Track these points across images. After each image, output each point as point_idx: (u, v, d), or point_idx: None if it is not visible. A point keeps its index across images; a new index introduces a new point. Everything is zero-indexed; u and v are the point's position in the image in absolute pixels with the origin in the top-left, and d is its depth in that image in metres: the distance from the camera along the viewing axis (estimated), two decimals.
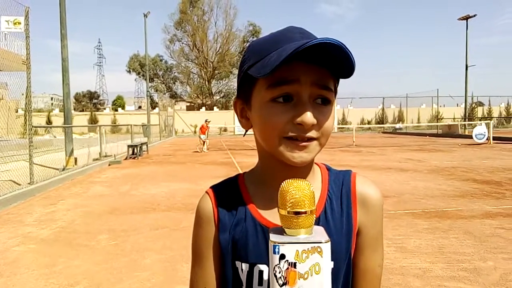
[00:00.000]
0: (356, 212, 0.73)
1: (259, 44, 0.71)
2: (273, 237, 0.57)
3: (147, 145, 17.66)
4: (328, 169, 0.80)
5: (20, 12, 8.30)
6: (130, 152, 14.88)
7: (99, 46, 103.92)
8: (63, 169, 10.51)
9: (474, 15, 31.00)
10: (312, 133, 0.66)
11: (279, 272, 0.56)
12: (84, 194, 7.56)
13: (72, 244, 4.38)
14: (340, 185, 0.75)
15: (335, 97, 0.72)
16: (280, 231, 0.59)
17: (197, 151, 17.80)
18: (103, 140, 14.18)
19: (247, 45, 0.73)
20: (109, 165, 12.59)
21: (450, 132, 27.69)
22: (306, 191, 0.58)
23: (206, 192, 0.79)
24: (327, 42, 0.60)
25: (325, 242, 0.56)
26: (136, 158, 14.80)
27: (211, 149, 18.79)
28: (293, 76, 0.64)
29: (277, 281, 0.56)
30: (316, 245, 0.55)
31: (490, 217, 5.12)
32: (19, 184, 7.76)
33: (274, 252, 0.56)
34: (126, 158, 14.49)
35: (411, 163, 11.44)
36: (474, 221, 4.95)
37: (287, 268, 0.55)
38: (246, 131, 0.80)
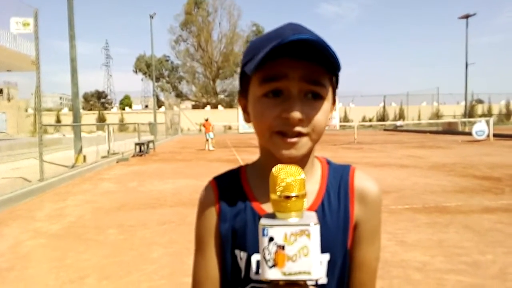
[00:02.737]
0: (354, 206, 0.74)
1: (254, 42, 0.73)
2: (263, 221, 0.58)
3: (153, 143, 17.78)
4: (328, 163, 0.80)
5: (29, 14, 8.44)
6: (137, 149, 15.03)
7: (107, 47, 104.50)
8: (73, 166, 10.66)
9: (474, 14, 31.01)
10: (301, 128, 0.67)
11: (268, 254, 0.56)
12: (93, 191, 7.69)
13: (81, 239, 4.49)
14: (339, 179, 0.76)
15: (334, 92, 0.73)
16: (272, 216, 0.59)
17: (202, 148, 17.96)
18: (111, 138, 14.31)
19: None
20: (117, 162, 12.73)
21: (450, 129, 27.57)
22: (296, 176, 0.58)
23: (209, 182, 0.81)
24: (304, 38, 0.61)
25: (314, 225, 0.56)
26: (143, 155, 14.94)
27: (217, 146, 18.88)
28: (281, 72, 0.65)
29: (267, 263, 0.56)
30: (304, 227, 0.56)
31: (489, 212, 5.15)
32: (30, 181, 7.90)
33: (263, 235, 0.57)
34: (133, 156, 14.64)
35: (412, 160, 11.46)
36: (474, 216, 4.99)
37: (276, 251, 0.56)
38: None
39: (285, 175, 0.58)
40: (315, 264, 0.56)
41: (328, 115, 0.71)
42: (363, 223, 0.75)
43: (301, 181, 0.58)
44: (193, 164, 12.10)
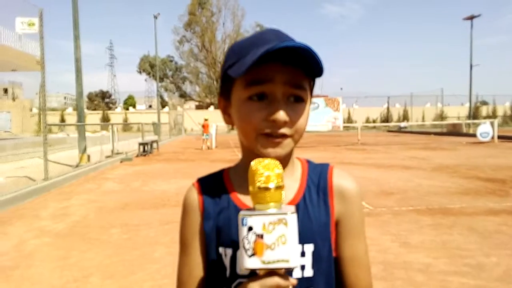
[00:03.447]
0: (333, 203, 0.76)
1: (238, 45, 0.75)
2: (242, 212, 0.60)
3: (157, 143, 17.86)
4: (308, 162, 0.83)
5: (34, 14, 8.48)
6: (141, 149, 15.08)
7: (111, 47, 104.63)
8: (77, 166, 10.72)
9: (479, 15, 30.96)
10: (285, 130, 0.70)
11: (247, 244, 0.58)
12: (97, 190, 7.72)
13: (85, 238, 4.51)
14: (318, 177, 0.79)
15: (311, 95, 0.76)
16: (252, 209, 0.61)
17: (201, 148, 18.06)
18: (115, 138, 14.37)
19: (230, 46, 0.80)
20: (121, 162, 12.79)
21: (454, 131, 27.50)
22: (274, 169, 0.60)
23: (192, 184, 0.83)
24: (294, 45, 0.64)
25: (291, 214, 0.58)
26: (146, 155, 14.99)
27: (219, 147, 18.91)
28: (267, 76, 0.68)
29: (246, 253, 0.58)
30: (281, 216, 0.58)
31: (493, 214, 5.14)
32: (34, 180, 7.93)
33: (243, 224, 0.59)
34: (137, 156, 14.69)
35: (416, 161, 11.43)
36: (478, 218, 4.97)
37: (255, 240, 0.58)
38: (232, 127, 0.86)
39: (263, 168, 0.60)
40: (293, 252, 0.58)
41: (308, 117, 0.75)
42: (346, 219, 0.77)
43: (278, 174, 0.60)
44: (197, 164, 12.12)
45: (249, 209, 0.63)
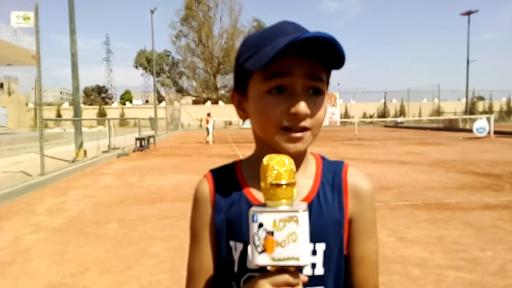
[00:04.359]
0: (348, 201, 0.76)
1: (253, 38, 0.74)
2: (253, 208, 0.60)
3: (154, 138, 17.82)
4: (322, 158, 0.82)
5: (30, 8, 8.42)
6: (138, 144, 15.05)
7: (107, 41, 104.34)
8: (73, 161, 10.68)
9: (476, 11, 30.96)
10: (306, 123, 0.69)
11: (258, 240, 0.58)
12: (94, 185, 7.71)
13: (82, 233, 4.50)
14: (333, 174, 0.78)
15: (327, 88, 0.74)
16: (263, 205, 0.61)
17: (203, 142, 18.04)
18: (112, 133, 14.33)
19: (243, 40, 0.79)
20: (118, 157, 12.76)
21: (451, 126, 27.65)
22: (287, 165, 0.60)
23: (204, 175, 0.82)
24: (319, 36, 0.63)
25: (302, 212, 0.58)
26: (143, 150, 14.96)
27: (217, 142, 18.90)
28: (287, 69, 0.67)
29: (256, 249, 0.58)
30: (293, 214, 0.57)
31: (489, 209, 5.16)
32: (31, 175, 7.92)
33: (253, 221, 0.58)
34: (134, 151, 14.66)
35: (412, 156, 11.47)
36: (474, 213, 5.00)
37: (265, 236, 0.57)
38: (244, 122, 0.85)
39: (275, 164, 0.60)
40: (303, 250, 0.58)
41: (326, 110, 0.74)
42: (358, 217, 0.77)
43: (291, 170, 0.60)
44: (194, 159, 12.11)
45: (260, 205, 0.62)
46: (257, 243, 0.58)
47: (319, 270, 0.72)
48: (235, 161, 0.85)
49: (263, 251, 0.58)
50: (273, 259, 0.58)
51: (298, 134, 0.69)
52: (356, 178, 0.78)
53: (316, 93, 0.70)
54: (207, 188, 0.79)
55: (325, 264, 0.72)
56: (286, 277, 0.59)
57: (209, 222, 0.78)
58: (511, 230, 4.25)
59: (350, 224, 0.76)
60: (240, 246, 0.73)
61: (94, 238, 4.30)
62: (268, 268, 0.60)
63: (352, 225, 0.77)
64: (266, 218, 0.58)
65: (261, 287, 0.60)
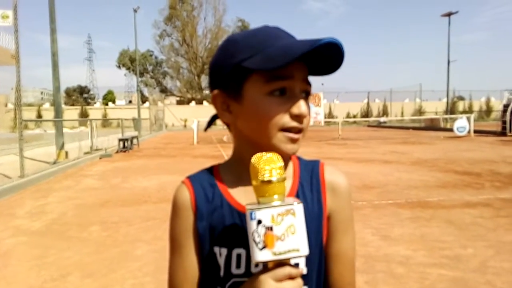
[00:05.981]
0: (326, 198, 0.77)
1: (247, 38, 0.72)
2: (249, 206, 0.61)
3: (137, 139, 17.62)
4: (298, 158, 0.83)
5: (8, 6, 8.21)
6: (121, 145, 14.84)
7: (89, 41, 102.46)
8: (54, 163, 10.47)
9: (456, 12, 31.66)
10: (304, 124, 0.72)
11: (258, 237, 0.59)
12: (76, 187, 7.57)
13: (63, 236, 4.42)
14: (310, 174, 0.79)
15: None
16: (255, 203, 0.62)
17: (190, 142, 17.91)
18: (94, 134, 14.12)
19: (227, 39, 0.78)
20: (100, 158, 12.56)
21: (432, 126, 28.13)
22: (276, 162, 0.62)
23: (183, 182, 0.80)
24: (333, 42, 0.65)
25: (297, 204, 0.60)
26: (126, 151, 14.76)
27: (201, 142, 18.81)
28: (290, 72, 0.69)
29: (257, 246, 0.59)
30: (289, 207, 0.59)
31: (470, 207, 5.27)
32: (10, 178, 7.74)
33: (251, 218, 0.59)
34: (117, 152, 14.46)
35: (395, 155, 11.63)
36: (455, 211, 5.09)
37: (265, 232, 0.58)
38: (210, 124, 0.86)
39: (265, 161, 0.61)
40: (302, 241, 0.59)
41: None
42: (335, 214, 0.78)
43: (280, 167, 0.62)
44: (178, 160, 12.02)
45: (252, 203, 0.63)
46: (257, 240, 0.59)
47: (303, 270, 0.72)
48: (213, 165, 0.83)
49: (264, 247, 0.59)
50: (275, 254, 0.59)
51: (296, 136, 0.71)
52: (333, 176, 0.80)
53: (306, 95, 0.73)
54: (187, 195, 0.77)
55: (308, 263, 0.73)
56: (288, 270, 0.61)
57: (192, 229, 0.76)
58: (491, 227, 4.34)
59: (328, 220, 0.78)
60: (224, 251, 0.73)
61: (76, 241, 4.22)
62: (268, 264, 0.61)
63: (331, 221, 0.78)
64: (264, 214, 0.59)
65: (263, 282, 0.60)
